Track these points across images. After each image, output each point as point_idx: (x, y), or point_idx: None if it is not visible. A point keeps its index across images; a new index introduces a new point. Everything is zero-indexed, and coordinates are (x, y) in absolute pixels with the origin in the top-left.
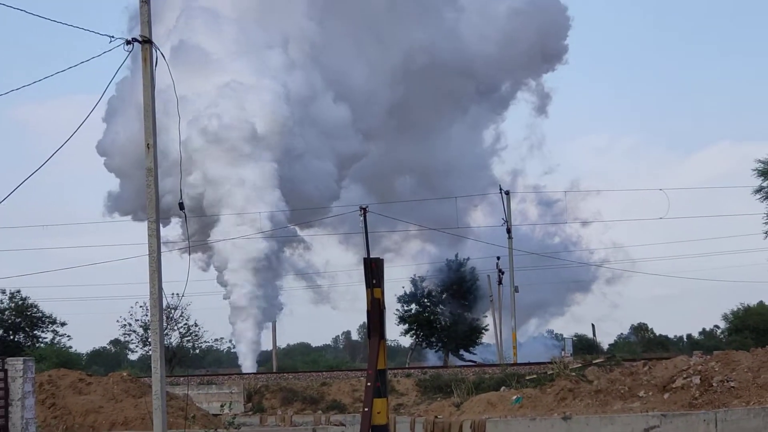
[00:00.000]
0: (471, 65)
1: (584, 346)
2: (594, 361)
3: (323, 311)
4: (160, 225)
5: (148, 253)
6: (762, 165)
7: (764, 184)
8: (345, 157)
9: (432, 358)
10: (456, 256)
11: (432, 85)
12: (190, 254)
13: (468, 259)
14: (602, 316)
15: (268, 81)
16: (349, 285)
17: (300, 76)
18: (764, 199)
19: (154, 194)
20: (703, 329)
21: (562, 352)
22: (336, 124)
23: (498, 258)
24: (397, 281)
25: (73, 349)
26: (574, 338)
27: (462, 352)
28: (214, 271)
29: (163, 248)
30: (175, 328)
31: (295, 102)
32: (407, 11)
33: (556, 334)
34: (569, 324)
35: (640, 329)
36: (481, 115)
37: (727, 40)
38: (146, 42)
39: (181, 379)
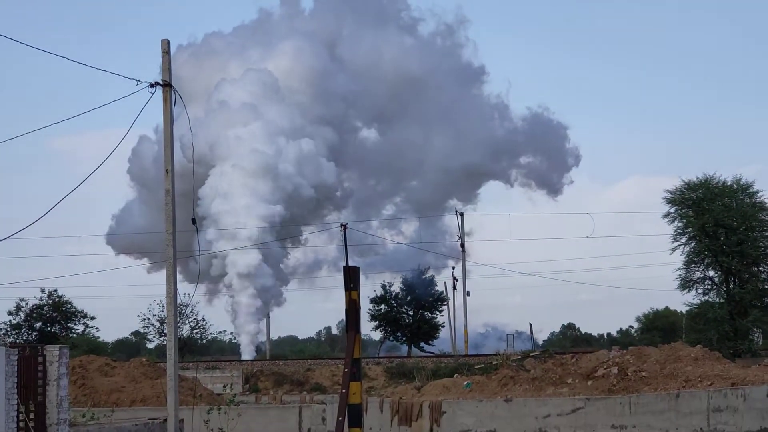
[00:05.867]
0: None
1: (523, 340)
2: (531, 354)
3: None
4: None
5: (165, 259)
6: (669, 194)
7: (671, 210)
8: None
9: (401, 349)
10: (418, 266)
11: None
12: (200, 263)
13: (428, 268)
14: (538, 317)
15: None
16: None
17: None
18: (671, 223)
19: (171, 211)
20: (620, 329)
21: (505, 347)
22: None
23: (453, 268)
24: (368, 286)
25: (100, 339)
26: (515, 333)
27: (422, 344)
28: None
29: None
30: (186, 322)
31: None
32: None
33: (500, 330)
34: (512, 320)
35: (569, 328)
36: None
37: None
38: (167, 85)
39: (190, 364)
